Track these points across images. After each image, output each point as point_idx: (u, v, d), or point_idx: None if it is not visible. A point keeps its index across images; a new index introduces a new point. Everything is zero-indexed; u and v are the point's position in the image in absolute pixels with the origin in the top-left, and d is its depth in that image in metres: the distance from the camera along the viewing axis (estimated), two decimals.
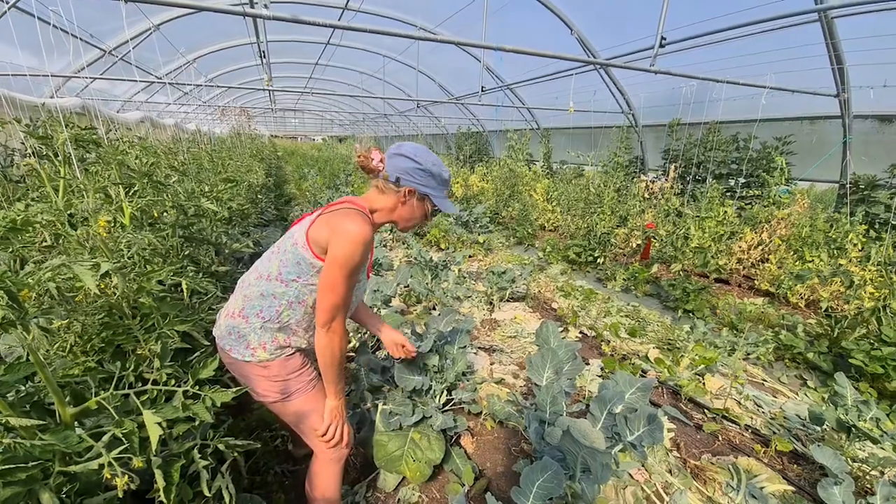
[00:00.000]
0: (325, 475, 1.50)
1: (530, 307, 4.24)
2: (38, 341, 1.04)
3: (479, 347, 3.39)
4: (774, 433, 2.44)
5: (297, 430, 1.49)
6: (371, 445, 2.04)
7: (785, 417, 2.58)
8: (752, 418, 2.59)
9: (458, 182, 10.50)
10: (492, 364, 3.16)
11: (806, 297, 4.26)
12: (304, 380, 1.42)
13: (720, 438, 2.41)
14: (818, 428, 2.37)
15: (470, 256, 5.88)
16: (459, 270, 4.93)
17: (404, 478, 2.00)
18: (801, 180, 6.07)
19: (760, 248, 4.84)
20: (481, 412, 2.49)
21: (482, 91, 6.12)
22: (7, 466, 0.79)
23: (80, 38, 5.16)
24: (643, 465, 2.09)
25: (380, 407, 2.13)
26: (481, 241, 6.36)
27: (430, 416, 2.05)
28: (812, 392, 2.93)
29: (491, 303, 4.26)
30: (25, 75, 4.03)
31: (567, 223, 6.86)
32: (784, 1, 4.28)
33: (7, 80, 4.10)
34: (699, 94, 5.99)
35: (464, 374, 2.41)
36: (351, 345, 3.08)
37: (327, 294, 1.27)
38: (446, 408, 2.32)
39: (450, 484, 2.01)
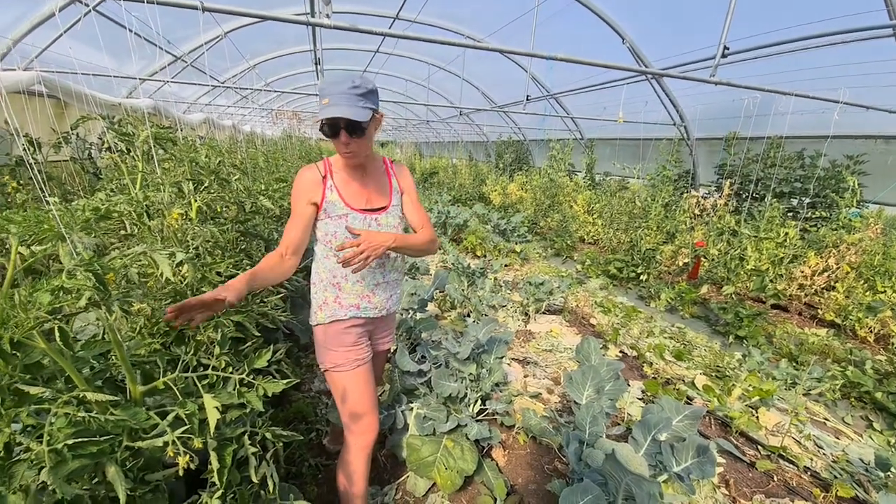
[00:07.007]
0: (355, 463, 1.56)
1: (567, 321, 4.12)
2: (118, 322, 1.12)
3: (513, 359, 3.33)
4: (836, 477, 2.23)
5: (339, 410, 1.57)
6: (402, 447, 2.05)
7: (848, 461, 2.35)
8: (811, 460, 2.38)
9: (496, 190, 10.45)
10: (525, 377, 3.09)
11: (876, 330, 3.88)
12: (352, 357, 1.52)
13: (775, 479, 2.22)
14: (882, 474, 2.15)
15: (506, 265, 5.82)
16: (495, 279, 4.89)
17: (434, 484, 1.98)
18: (872, 203, 5.56)
19: (826, 274, 4.46)
20: (514, 425, 2.43)
21: (527, 100, 6.07)
22: (79, 440, 0.85)
23: (157, 45, 5.61)
24: (688, 500, 1.97)
25: (414, 410, 2.14)
26: (518, 251, 6.28)
27: (465, 425, 2.03)
28: (877, 435, 2.68)
29: (526, 314, 4.19)
30: (110, 76, 4.41)
31: (609, 237, 6.64)
32: (856, 15, 3.98)
33: (86, 79, 4.49)
34: (762, 107, 5.62)
35: (498, 384, 2.37)
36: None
37: None
38: (479, 417, 2.29)
39: (481, 496, 1.97)
